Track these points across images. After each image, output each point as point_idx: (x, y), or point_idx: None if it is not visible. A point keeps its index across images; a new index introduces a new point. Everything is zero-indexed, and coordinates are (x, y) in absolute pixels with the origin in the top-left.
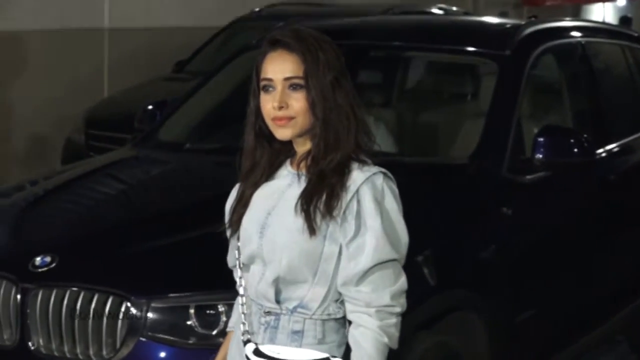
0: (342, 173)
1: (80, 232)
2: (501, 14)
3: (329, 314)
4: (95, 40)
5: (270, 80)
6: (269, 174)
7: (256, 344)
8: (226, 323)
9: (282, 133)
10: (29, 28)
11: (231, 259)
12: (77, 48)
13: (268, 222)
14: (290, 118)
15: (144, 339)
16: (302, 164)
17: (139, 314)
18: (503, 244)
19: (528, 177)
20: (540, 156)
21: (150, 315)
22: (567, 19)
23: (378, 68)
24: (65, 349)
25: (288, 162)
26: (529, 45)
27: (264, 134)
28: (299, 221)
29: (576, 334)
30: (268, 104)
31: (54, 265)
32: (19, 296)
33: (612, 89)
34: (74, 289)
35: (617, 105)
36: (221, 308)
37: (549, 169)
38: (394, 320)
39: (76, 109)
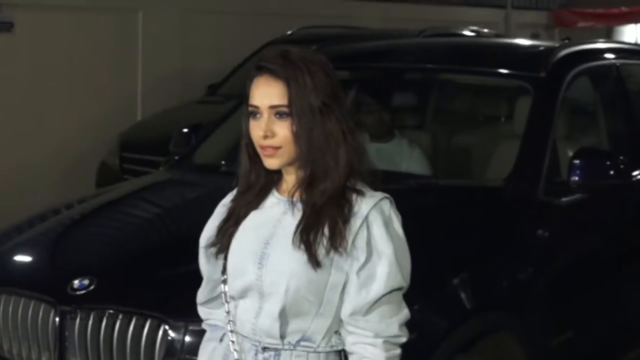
0: (340, 205)
1: (117, 255)
2: (533, 36)
3: (332, 346)
4: (129, 63)
5: (256, 107)
6: (263, 196)
7: None
8: None
9: (269, 163)
10: (64, 52)
11: (204, 293)
12: (110, 72)
13: (267, 252)
14: (277, 147)
15: None
16: (295, 192)
17: (176, 336)
18: (539, 266)
19: (564, 199)
20: (576, 178)
21: (187, 338)
22: (601, 40)
23: (412, 90)
24: None
25: (275, 190)
26: (564, 67)
27: (258, 157)
28: (301, 253)
29: (613, 356)
30: (255, 131)
31: (92, 287)
32: (57, 319)
33: None
34: (112, 311)
35: None
36: None
37: (585, 191)
38: (398, 351)
39: (110, 133)
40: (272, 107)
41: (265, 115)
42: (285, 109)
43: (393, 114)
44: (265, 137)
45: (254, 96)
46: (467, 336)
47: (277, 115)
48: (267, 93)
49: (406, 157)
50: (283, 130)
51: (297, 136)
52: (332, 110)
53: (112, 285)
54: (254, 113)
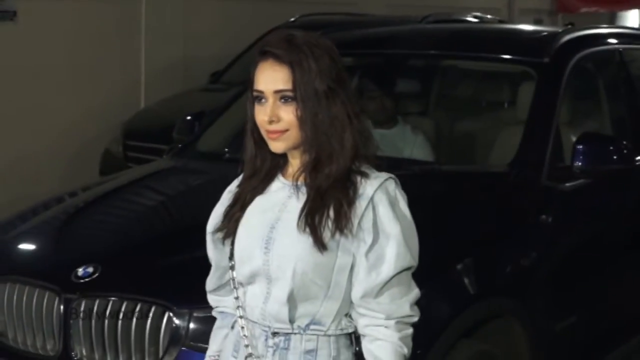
0: (345, 187)
1: (121, 243)
2: (536, 22)
3: (342, 329)
4: (131, 52)
5: (261, 92)
6: (268, 181)
7: None
8: None
9: (275, 146)
10: (67, 40)
11: (213, 280)
12: (113, 60)
13: (273, 237)
14: (283, 131)
15: (185, 348)
16: (300, 176)
17: (181, 323)
18: (543, 251)
19: (567, 184)
20: (580, 163)
21: (192, 325)
22: (604, 25)
23: (416, 76)
24: (108, 358)
25: (280, 175)
26: (567, 52)
27: (264, 142)
28: (307, 236)
29: (616, 342)
30: (260, 116)
31: (96, 275)
32: (62, 306)
33: None
34: (116, 299)
35: None
36: None
37: (589, 176)
38: (411, 330)
39: (114, 121)
40: (277, 91)
41: (270, 100)
42: (290, 94)
43: (395, 100)
44: (271, 122)
45: (259, 81)
46: (471, 321)
47: (282, 100)
48: (271, 78)
49: (410, 143)
50: (288, 115)
51: (302, 120)
52: (337, 94)
53: (116, 272)
54: (259, 98)
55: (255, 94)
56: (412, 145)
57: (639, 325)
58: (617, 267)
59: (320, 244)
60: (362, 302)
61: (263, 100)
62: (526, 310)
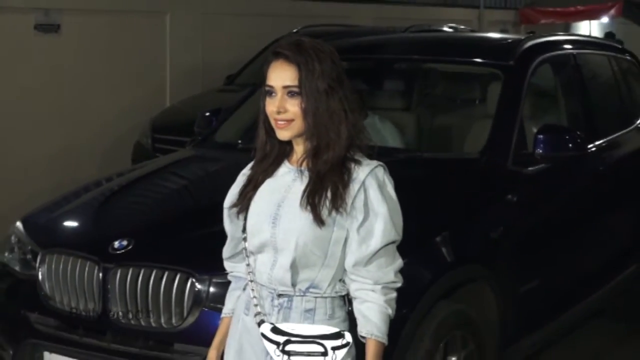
0: (340, 172)
1: (151, 220)
2: (502, 31)
3: (336, 292)
4: (159, 58)
5: (271, 87)
6: (276, 165)
7: (272, 323)
8: None
9: (281, 134)
10: (104, 49)
11: (228, 249)
12: (143, 65)
13: (280, 213)
14: (289, 120)
15: (206, 309)
16: (303, 162)
17: (202, 288)
18: (509, 226)
19: (530, 169)
20: (540, 151)
21: (212, 289)
22: (560, 33)
23: (401, 77)
24: (141, 318)
25: (286, 161)
26: (529, 56)
27: (273, 130)
28: (308, 213)
29: (571, 303)
30: (270, 107)
31: (130, 247)
32: (101, 274)
33: (599, 93)
34: (147, 267)
35: (604, 106)
36: None
37: (548, 161)
38: (395, 294)
39: (144, 117)
40: (285, 87)
41: (279, 94)
42: (296, 89)
43: (385, 97)
44: (279, 112)
45: (270, 77)
46: (448, 285)
47: (289, 94)
48: (281, 75)
49: (380, 130)
50: (293, 107)
51: (305, 112)
52: (336, 92)
53: (147, 245)
54: (270, 92)
55: (266, 88)
56: (383, 132)
57: (591, 288)
58: (571, 239)
59: (319, 220)
60: (354, 269)
61: (273, 94)
62: (495, 276)
